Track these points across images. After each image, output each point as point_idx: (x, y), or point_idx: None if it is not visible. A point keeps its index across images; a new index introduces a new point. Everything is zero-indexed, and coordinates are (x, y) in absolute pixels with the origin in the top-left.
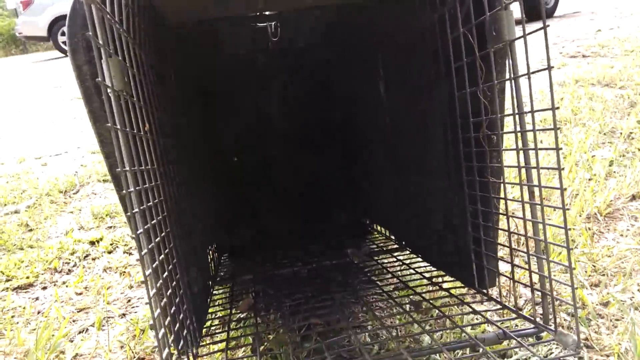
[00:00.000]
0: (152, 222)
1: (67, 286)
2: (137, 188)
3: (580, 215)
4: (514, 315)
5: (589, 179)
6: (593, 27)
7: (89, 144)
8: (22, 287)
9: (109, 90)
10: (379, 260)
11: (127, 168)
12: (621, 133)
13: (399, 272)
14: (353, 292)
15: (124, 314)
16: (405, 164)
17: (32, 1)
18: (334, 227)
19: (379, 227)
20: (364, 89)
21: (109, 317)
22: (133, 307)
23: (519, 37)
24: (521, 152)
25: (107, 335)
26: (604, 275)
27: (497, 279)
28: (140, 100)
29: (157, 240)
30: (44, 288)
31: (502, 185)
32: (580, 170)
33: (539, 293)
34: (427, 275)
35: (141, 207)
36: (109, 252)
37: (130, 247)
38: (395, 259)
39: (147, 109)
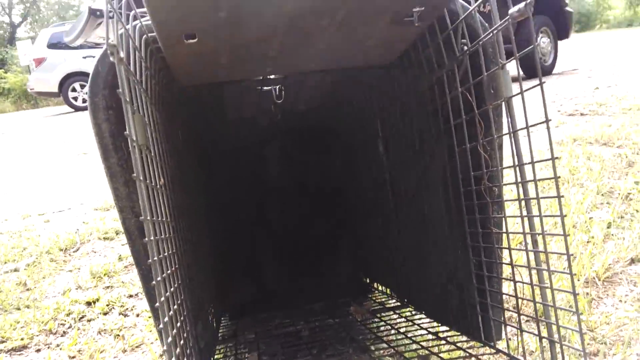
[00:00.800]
0: (168, 271)
1: (60, 349)
2: (155, 238)
3: (578, 280)
4: None
5: (587, 242)
6: (591, 84)
7: (92, 201)
8: (16, 349)
9: (134, 144)
10: (382, 317)
11: (149, 218)
12: (619, 194)
13: (404, 328)
14: (359, 348)
15: None
16: (406, 221)
17: (45, 59)
18: (335, 286)
19: (379, 286)
20: (364, 149)
21: None
22: None
23: (516, 94)
24: (523, 203)
25: None
26: (602, 344)
27: (503, 331)
28: (156, 156)
29: (171, 289)
30: (38, 350)
31: (504, 235)
32: (578, 232)
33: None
34: (432, 330)
35: (159, 256)
36: (105, 314)
37: (126, 309)
38: (398, 315)
39: (161, 164)
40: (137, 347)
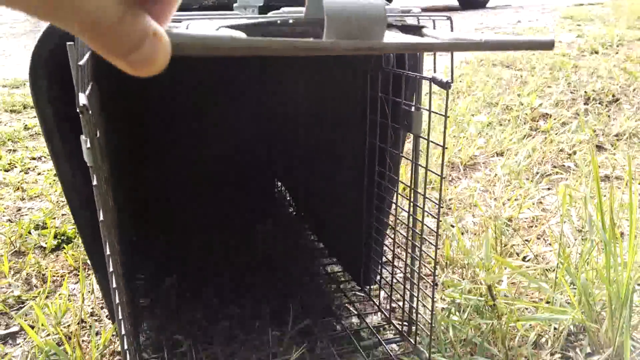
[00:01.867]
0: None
1: None
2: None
3: (447, 165)
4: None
5: (463, 137)
6: (515, 18)
7: (0, 78)
8: None
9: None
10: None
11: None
12: (503, 104)
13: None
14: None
15: (10, 220)
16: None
17: None
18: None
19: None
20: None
21: None
22: (22, 216)
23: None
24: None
25: None
26: (449, 208)
27: (376, 280)
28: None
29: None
30: None
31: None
32: (456, 130)
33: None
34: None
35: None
36: (6, 171)
37: (29, 168)
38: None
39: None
40: (36, 197)
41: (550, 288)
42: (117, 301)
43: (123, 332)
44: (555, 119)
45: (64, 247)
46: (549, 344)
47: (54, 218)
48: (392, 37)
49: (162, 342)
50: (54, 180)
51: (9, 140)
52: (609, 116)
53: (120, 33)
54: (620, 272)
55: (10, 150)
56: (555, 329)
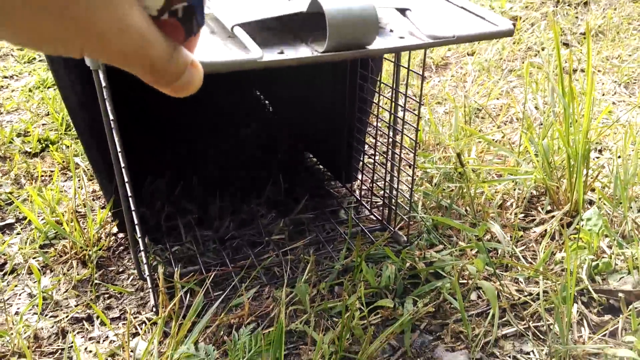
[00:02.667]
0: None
1: None
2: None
3: (418, 66)
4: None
5: None
6: None
7: None
8: None
9: None
10: None
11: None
12: None
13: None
14: None
15: None
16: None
17: None
18: None
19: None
20: None
21: None
22: (2, 127)
23: None
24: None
25: None
26: (423, 102)
27: (356, 176)
28: None
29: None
30: None
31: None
32: None
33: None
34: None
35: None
36: None
37: (1, 86)
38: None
39: None
40: (13, 110)
41: (515, 156)
42: (127, 179)
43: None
44: (524, 21)
45: (49, 149)
46: (513, 205)
47: (35, 126)
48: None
49: (162, 226)
50: (29, 95)
51: None
52: (576, 17)
53: (169, 69)
54: (577, 134)
55: None
56: (519, 192)
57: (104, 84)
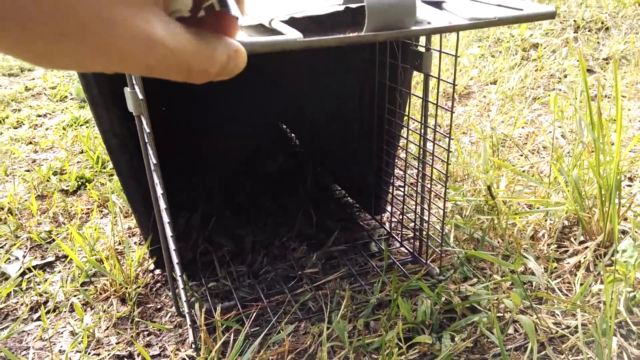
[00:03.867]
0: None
1: None
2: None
3: (442, 96)
4: (398, 245)
5: (459, 70)
6: None
7: None
8: None
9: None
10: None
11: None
12: (492, 37)
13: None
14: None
15: (28, 170)
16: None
17: None
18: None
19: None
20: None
21: (14, 174)
22: (39, 166)
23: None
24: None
25: (13, 182)
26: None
27: (385, 208)
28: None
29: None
30: None
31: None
32: (449, 63)
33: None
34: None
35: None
36: (15, 128)
37: (36, 125)
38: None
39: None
40: (48, 149)
41: (545, 187)
42: (167, 219)
43: (172, 247)
44: (545, 48)
45: (85, 187)
46: (545, 236)
47: (70, 164)
48: (421, 17)
49: (197, 262)
50: (63, 132)
51: (12, 100)
52: (598, 42)
53: (211, 69)
54: (608, 165)
55: (15, 110)
56: (550, 223)
57: (147, 130)
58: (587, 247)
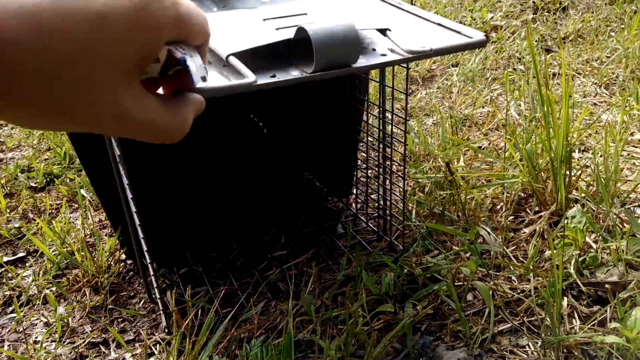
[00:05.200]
0: None
1: None
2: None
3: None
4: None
5: None
6: None
7: None
8: None
9: None
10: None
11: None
12: (457, 20)
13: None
14: None
15: None
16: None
17: None
18: None
19: None
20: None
21: None
22: (5, 164)
23: None
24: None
25: None
26: (411, 115)
27: (351, 190)
28: None
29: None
30: None
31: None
32: None
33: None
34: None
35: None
36: None
37: (1, 124)
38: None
39: None
40: (15, 147)
41: (502, 162)
42: (134, 209)
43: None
44: (505, 29)
45: (54, 183)
46: (502, 208)
47: (38, 161)
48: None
49: (168, 250)
50: (29, 131)
51: None
52: (555, 22)
53: (177, 135)
54: (558, 137)
55: None
56: (507, 196)
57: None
58: (541, 217)
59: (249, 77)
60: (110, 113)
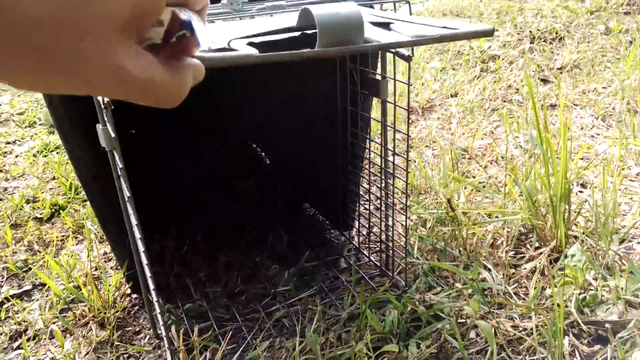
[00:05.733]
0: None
1: None
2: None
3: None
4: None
5: (421, 84)
6: None
7: None
8: None
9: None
10: None
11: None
12: (453, 50)
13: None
14: None
15: (0, 199)
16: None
17: None
18: None
19: None
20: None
21: None
22: (10, 194)
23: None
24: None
25: None
26: (411, 147)
27: (353, 224)
28: None
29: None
30: None
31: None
32: (411, 77)
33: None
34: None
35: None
36: None
37: (5, 152)
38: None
39: None
40: (19, 176)
41: (501, 197)
42: (142, 248)
43: (148, 274)
44: (503, 59)
45: (59, 215)
46: (503, 244)
47: (43, 192)
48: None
49: (172, 285)
50: (34, 159)
51: None
52: (552, 52)
53: (176, 98)
54: (557, 175)
55: None
56: (507, 231)
57: (120, 165)
58: (541, 253)
59: (251, 51)
60: (107, 67)
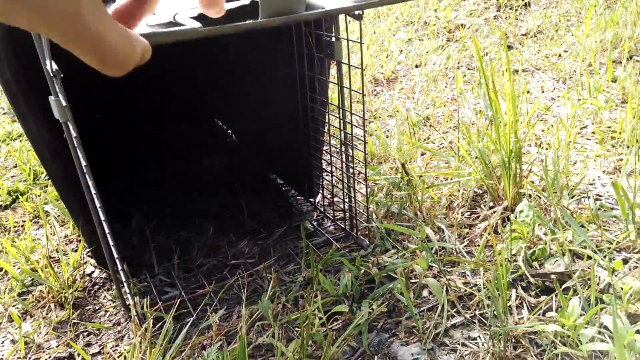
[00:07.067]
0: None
1: None
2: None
3: (370, 82)
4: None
5: (386, 56)
6: None
7: None
8: None
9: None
10: None
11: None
12: (420, 21)
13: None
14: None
15: None
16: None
17: None
18: None
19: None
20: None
21: None
22: None
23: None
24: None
25: None
26: (374, 117)
27: (319, 192)
28: None
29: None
30: None
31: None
32: (377, 49)
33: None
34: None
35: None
36: None
37: None
38: None
39: None
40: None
41: (457, 161)
42: (103, 217)
43: (111, 242)
44: (469, 28)
45: (19, 200)
46: (458, 206)
47: (4, 180)
48: (315, 3)
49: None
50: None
51: None
52: (517, 19)
53: (131, 62)
54: (506, 136)
55: None
56: (463, 193)
57: (74, 134)
58: (495, 212)
59: (194, 24)
60: (67, 12)
